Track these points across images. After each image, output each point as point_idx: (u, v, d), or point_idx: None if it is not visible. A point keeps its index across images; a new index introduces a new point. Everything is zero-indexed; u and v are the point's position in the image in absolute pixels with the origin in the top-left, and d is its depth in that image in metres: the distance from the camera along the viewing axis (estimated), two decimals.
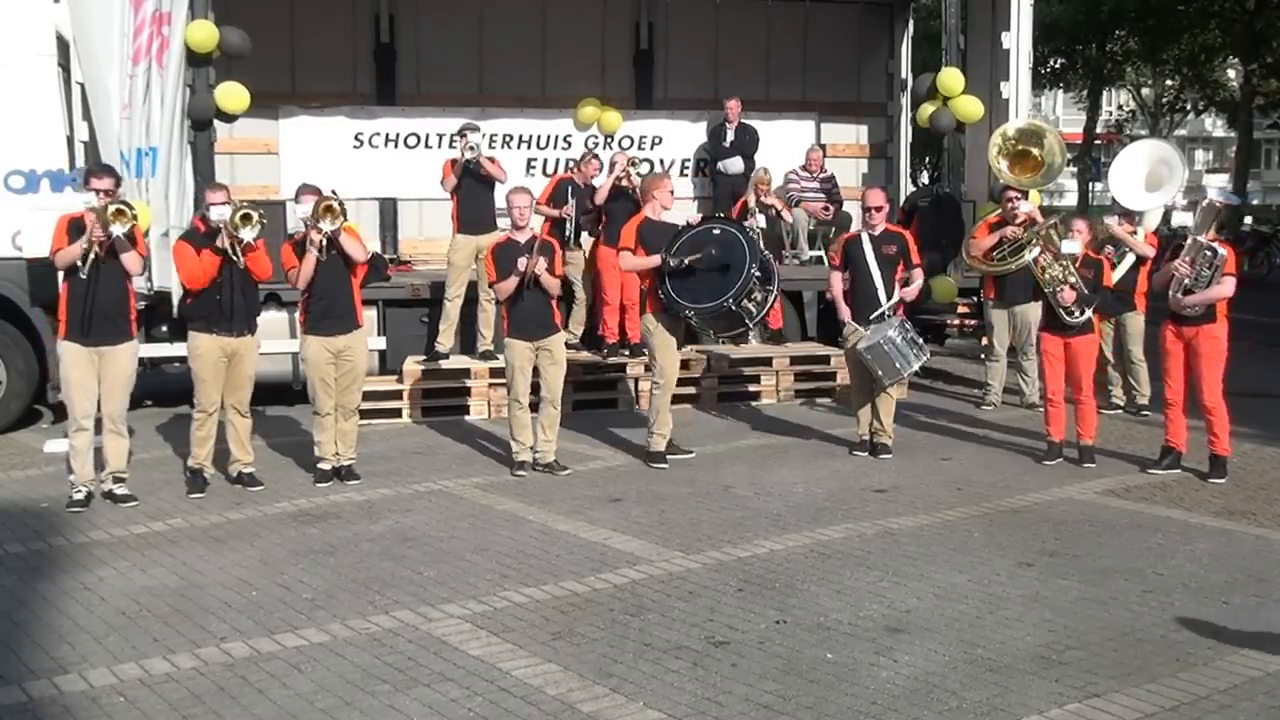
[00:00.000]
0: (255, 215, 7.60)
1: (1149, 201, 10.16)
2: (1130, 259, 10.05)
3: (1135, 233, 9.97)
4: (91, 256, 7.15)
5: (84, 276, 7.20)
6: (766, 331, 11.44)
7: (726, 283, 8.25)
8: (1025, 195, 10.55)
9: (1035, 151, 11.28)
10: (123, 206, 7.22)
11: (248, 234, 7.54)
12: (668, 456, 8.59)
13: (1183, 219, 8.31)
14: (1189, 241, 7.92)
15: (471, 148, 10.04)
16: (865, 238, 8.92)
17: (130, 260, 7.35)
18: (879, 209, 8.91)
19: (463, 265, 10.31)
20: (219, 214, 7.59)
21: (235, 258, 7.59)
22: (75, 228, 7.24)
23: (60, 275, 7.50)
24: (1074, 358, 8.45)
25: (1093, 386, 8.55)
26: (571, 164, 12.23)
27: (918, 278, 8.96)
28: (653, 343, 8.65)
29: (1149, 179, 10.08)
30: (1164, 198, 10.12)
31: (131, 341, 7.59)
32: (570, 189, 10.96)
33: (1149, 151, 10.52)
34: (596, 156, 11.57)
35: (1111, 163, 11.43)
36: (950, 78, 11.88)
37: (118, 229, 7.13)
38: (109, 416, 7.48)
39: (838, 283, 9.05)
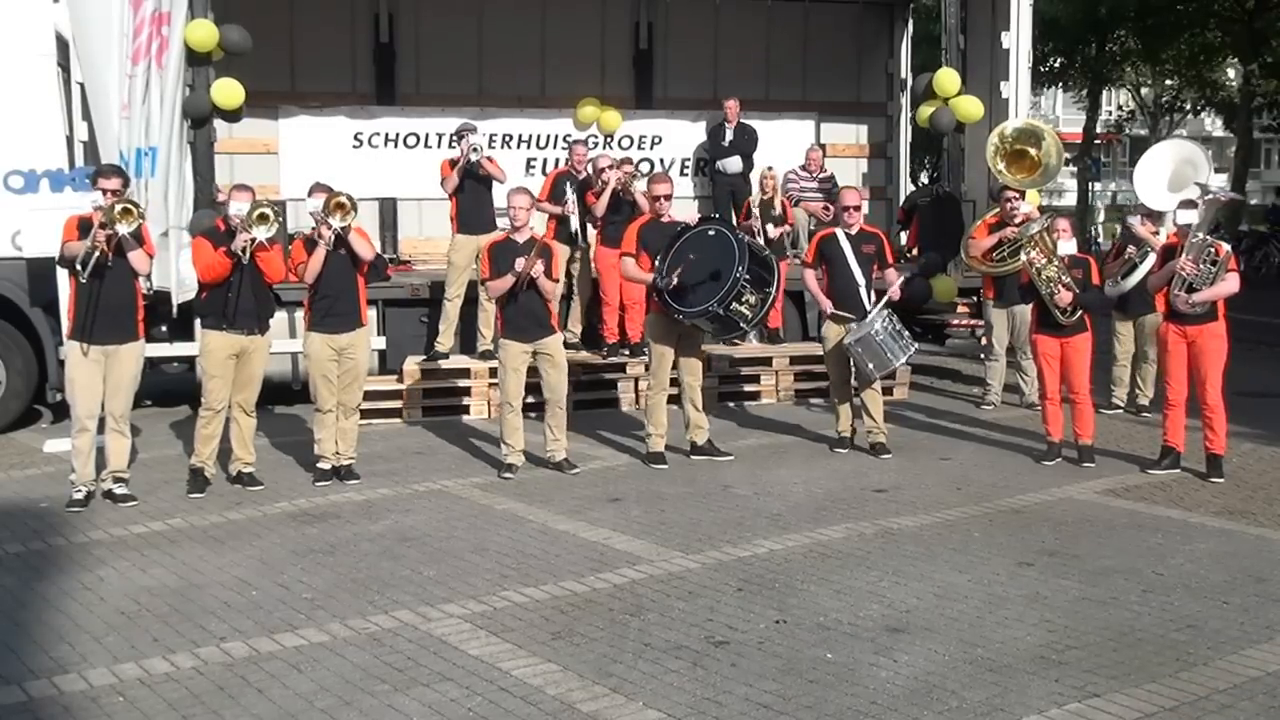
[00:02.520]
0: (272, 215, 7.62)
1: (1173, 202, 10.10)
2: (1151, 259, 10.05)
3: (1158, 233, 9.94)
4: (95, 257, 7.15)
5: (84, 281, 7.21)
6: (765, 331, 11.44)
7: (716, 287, 8.21)
8: (1023, 195, 10.55)
9: (1033, 151, 11.28)
10: (130, 206, 7.25)
11: (261, 233, 7.56)
12: (711, 456, 8.68)
13: (1186, 218, 8.25)
14: (1189, 240, 7.90)
15: (475, 149, 10.04)
16: (842, 236, 8.94)
17: (138, 259, 7.36)
18: (856, 209, 8.98)
19: (462, 265, 10.31)
20: (236, 210, 7.64)
21: (240, 254, 7.59)
22: (85, 227, 7.25)
23: (66, 274, 7.52)
24: (1069, 358, 8.44)
25: (1089, 386, 8.54)
26: (565, 160, 12.24)
27: (890, 276, 8.99)
28: (650, 343, 8.71)
29: (1173, 179, 10.02)
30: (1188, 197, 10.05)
31: (138, 341, 7.62)
32: (568, 183, 10.96)
33: (1173, 151, 10.45)
34: (581, 143, 11.55)
35: (1110, 163, 11.41)
36: (946, 78, 11.88)
37: (124, 228, 7.14)
38: (112, 415, 7.50)
39: (812, 279, 9.10)
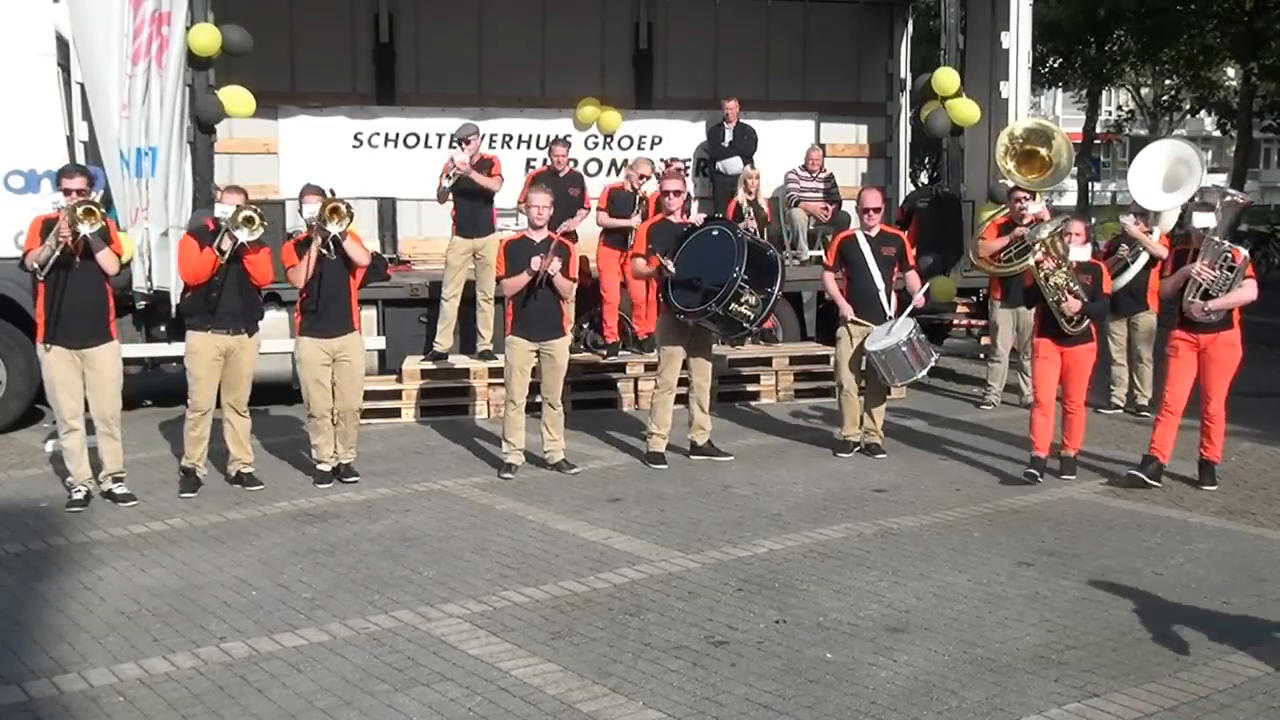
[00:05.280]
0: (257, 220, 7.58)
1: (1167, 202, 10.01)
2: (1144, 259, 10.08)
3: (1151, 232, 9.94)
4: (57, 256, 7.09)
5: (41, 278, 7.17)
6: (759, 332, 11.42)
7: (715, 287, 8.16)
8: (1033, 196, 10.52)
9: (1043, 152, 11.25)
10: (92, 206, 7.16)
11: (243, 235, 7.53)
12: (711, 456, 8.67)
13: (1203, 220, 7.82)
14: (1205, 243, 7.51)
15: (455, 167, 9.94)
16: (862, 238, 8.91)
17: (106, 259, 7.30)
18: (877, 210, 8.91)
19: (459, 266, 10.30)
20: (221, 211, 7.62)
21: (222, 252, 7.56)
22: (49, 228, 7.17)
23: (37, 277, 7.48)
24: (1069, 367, 7.97)
25: (1085, 396, 8.19)
26: (545, 160, 12.23)
27: (913, 280, 8.97)
28: (659, 344, 8.71)
29: (1167, 179, 9.99)
30: (1182, 198, 9.96)
31: (112, 342, 7.53)
32: (546, 183, 10.93)
33: (1167, 151, 10.42)
34: (560, 142, 11.53)
35: (1110, 162, 11.39)
36: (945, 77, 11.87)
37: (86, 228, 7.07)
38: (100, 419, 7.46)
39: (832, 282, 9.07)
